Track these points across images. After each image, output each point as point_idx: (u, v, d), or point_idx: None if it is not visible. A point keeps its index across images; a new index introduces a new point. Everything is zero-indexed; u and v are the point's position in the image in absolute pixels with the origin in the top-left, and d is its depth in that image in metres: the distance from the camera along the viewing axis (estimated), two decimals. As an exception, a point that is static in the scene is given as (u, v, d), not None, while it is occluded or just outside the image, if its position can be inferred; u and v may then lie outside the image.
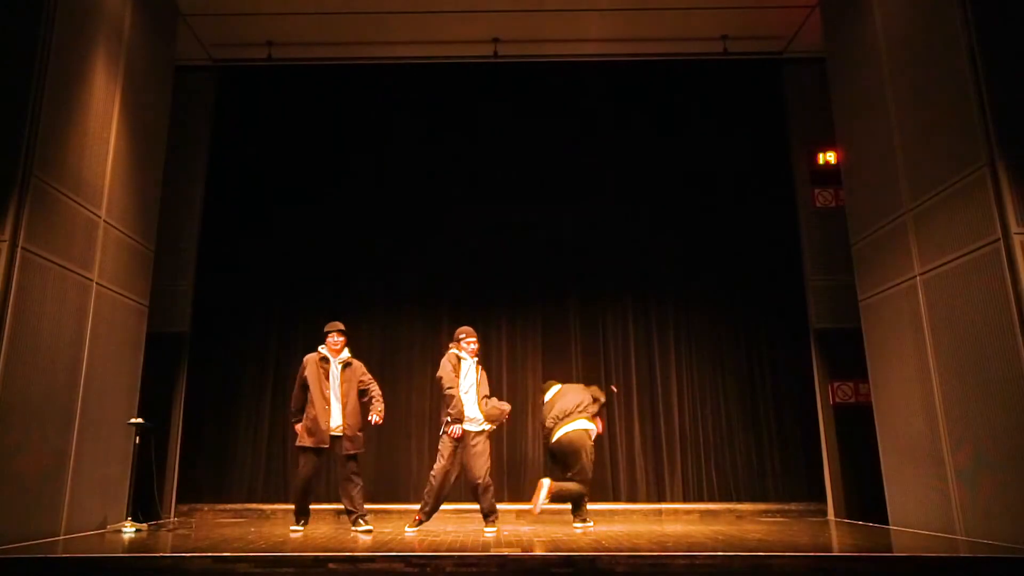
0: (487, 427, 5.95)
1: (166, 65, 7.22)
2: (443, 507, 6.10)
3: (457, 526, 6.28)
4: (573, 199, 8.12)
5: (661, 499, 7.47)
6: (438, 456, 5.88)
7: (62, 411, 5.35)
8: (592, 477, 6.27)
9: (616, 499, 7.47)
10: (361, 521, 5.74)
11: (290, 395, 6.20)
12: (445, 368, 5.95)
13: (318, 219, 8.12)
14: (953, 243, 5.15)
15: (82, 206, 5.59)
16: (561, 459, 6.24)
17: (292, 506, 5.98)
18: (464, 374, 5.96)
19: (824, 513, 7.23)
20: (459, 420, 5.81)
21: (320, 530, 5.89)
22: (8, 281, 4.73)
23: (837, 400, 7.34)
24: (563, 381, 6.75)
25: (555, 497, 6.06)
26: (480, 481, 5.77)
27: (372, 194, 8.18)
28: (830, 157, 7.77)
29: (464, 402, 5.87)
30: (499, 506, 7.17)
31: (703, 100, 8.37)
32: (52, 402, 5.21)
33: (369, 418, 5.95)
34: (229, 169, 8.22)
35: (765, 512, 7.29)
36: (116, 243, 6.14)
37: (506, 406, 6.15)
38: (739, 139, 8.22)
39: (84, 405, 5.60)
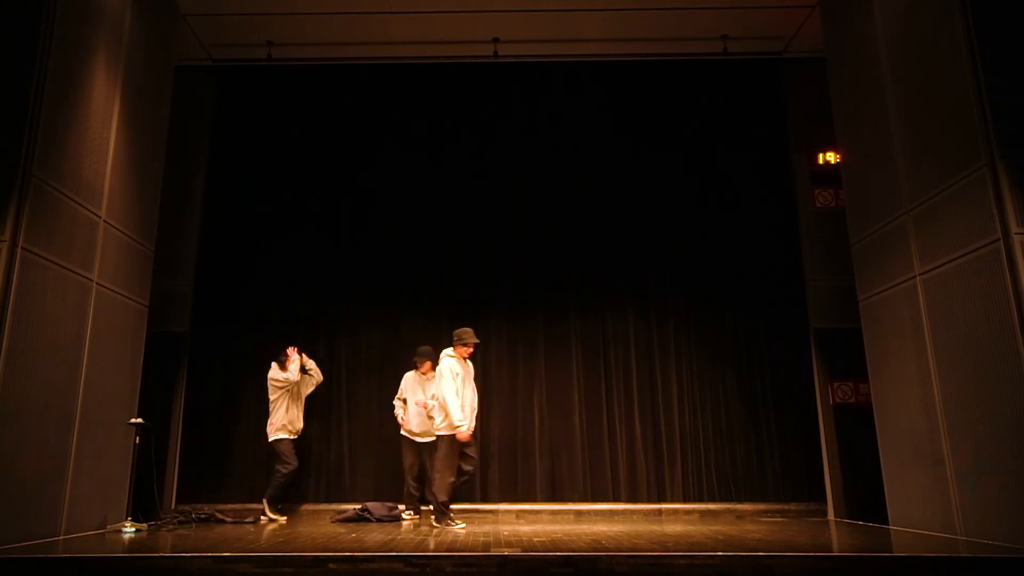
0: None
1: (166, 65, 7.21)
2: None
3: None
4: (573, 198, 8.13)
5: (661, 499, 7.47)
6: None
7: (62, 411, 5.34)
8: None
9: (616, 499, 7.47)
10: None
11: None
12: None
13: (318, 218, 8.13)
14: (953, 243, 5.15)
15: (82, 206, 5.58)
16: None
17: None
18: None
19: (824, 513, 7.23)
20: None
21: (320, 530, 5.88)
22: (8, 281, 4.72)
23: (837, 400, 7.34)
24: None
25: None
26: None
27: (372, 194, 8.18)
28: (830, 157, 7.79)
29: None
30: (498, 506, 7.22)
31: (703, 100, 8.38)
32: (52, 402, 5.20)
33: None
34: (229, 169, 8.22)
35: (765, 512, 7.29)
36: (116, 243, 6.14)
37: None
38: (739, 139, 8.23)
39: (84, 405, 5.59)
